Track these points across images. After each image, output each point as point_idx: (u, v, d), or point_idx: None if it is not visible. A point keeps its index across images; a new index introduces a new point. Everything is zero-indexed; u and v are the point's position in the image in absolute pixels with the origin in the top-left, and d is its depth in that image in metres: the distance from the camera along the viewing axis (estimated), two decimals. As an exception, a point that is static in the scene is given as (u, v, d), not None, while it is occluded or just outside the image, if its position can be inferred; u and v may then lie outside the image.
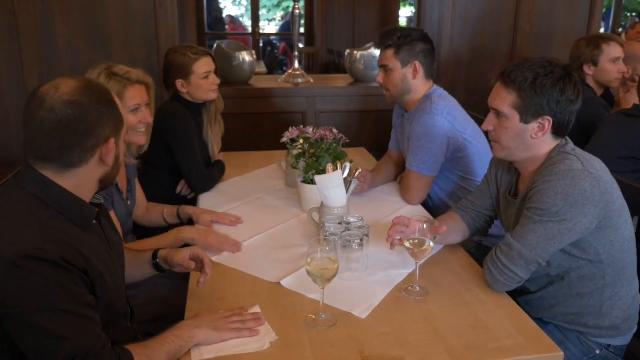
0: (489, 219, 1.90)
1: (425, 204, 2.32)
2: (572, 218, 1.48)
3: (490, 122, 1.66)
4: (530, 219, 1.52)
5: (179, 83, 2.40)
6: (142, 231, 2.15)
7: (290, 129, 2.24)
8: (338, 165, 1.96)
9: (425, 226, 1.57)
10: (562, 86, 1.54)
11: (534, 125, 1.58)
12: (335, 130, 2.22)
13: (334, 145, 2.14)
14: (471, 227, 1.89)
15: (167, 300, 1.88)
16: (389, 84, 2.33)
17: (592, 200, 1.47)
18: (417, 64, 2.27)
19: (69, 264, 1.12)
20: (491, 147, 1.71)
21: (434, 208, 2.34)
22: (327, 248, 1.39)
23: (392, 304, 1.53)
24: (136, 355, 1.19)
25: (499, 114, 1.61)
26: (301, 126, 2.25)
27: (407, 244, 1.60)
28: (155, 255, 1.61)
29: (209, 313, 1.40)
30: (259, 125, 3.57)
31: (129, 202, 2.01)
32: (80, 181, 1.24)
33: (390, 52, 2.29)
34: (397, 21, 7.93)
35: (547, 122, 1.57)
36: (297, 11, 3.72)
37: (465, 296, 1.56)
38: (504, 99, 1.59)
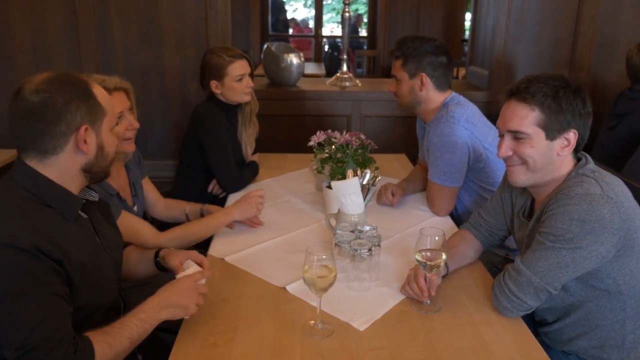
0: (503, 238, 1.80)
1: (450, 214, 2.23)
2: (587, 246, 1.37)
3: (507, 147, 1.50)
4: (541, 245, 1.42)
5: (213, 84, 2.44)
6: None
7: (317, 132, 2.22)
8: (358, 172, 1.92)
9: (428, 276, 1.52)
10: (583, 97, 1.44)
11: (560, 142, 1.47)
12: (363, 136, 2.18)
13: (360, 150, 2.10)
14: (484, 244, 1.81)
15: None
16: (398, 94, 2.29)
17: (610, 227, 1.36)
18: (424, 76, 2.21)
19: (42, 254, 1.15)
20: (508, 174, 1.56)
21: (459, 218, 2.25)
22: (324, 256, 1.36)
23: (394, 318, 1.48)
24: (96, 343, 1.19)
25: (518, 135, 1.48)
26: (329, 130, 2.23)
27: (417, 257, 1.54)
28: (157, 254, 1.64)
29: (174, 287, 1.38)
30: (303, 128, 3.57)
31: (135, 208, 2.03)
32: (62, 170, 1.28)
33: (398, 63, 2.25)
34: (463, 25, 7.74)
35: (573, 135, 1.46)
36: (347, 14, 3.69)
37: (473, 315, 1.49)
38: (523, 118, 1.46)
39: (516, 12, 3.47)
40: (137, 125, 1.91)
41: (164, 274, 1.64)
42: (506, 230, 1.77)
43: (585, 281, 1.45)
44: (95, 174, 1.34)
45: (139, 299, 1.60)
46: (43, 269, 1.16)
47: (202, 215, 2.17)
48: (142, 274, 1.66)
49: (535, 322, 1.67)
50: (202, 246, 1.94)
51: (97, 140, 1.30)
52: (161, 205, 2.23)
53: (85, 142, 1.27)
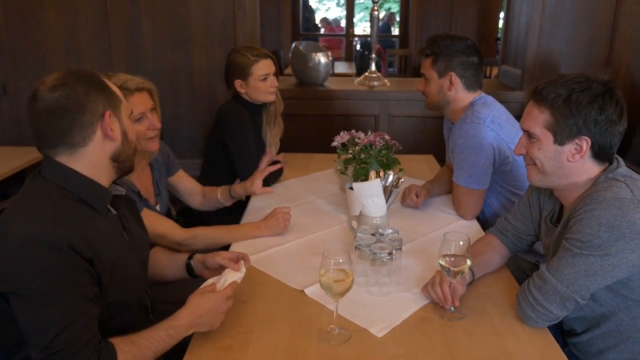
0: (530, 243, 1.74)
1: (477, 217, 2.17)
2: (617, 253, 1.30)
3: (522, 145, 1.51)
4: (568, 251, 1.36)
5: (237, 83, 2.43)
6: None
7: (341, 133, 2.19)
8: (380, 173, 1.88)
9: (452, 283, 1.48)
10: (601, 104, 1.36)
11: (570, 147, 1.42)
12: (387, 137, 2.14)
13: (384, 151, 2.06)
14: (511, 250, 1.74)
15: None
16: (426, 93, 2.23)
17: None
18: (454, 76, 2.14)
19: (75, 252, 1.16)
20: (527, 172, 1.55)
21: (487, 222, 2.19)
22: (341, 260, 1.33)
23: (414, 325, 1.44)
24: (120, 353, 1.18)
25: (530, 135, 1.47)
26: (353, 130, 2.19)
27: (441, 262, 1.49)
28: (190, 256, 1.65)
29: (207, 303, 1.34)
30: (330, 128, 3.53)
31: (158, 207, 2.03)
32: (92, 161, 1.28)
33: (428, 62, 2.19)
34: (497, 24, 7.59)
35: (585, 143, 1.39)
36: (376, 12, 3.65)
37: (497, 324, 1.43)
38: (535, 119, 1.44)
39: (550, 10, 3.36)
40: (158, 125, 1.90)
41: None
42: (534, 235, 1.70)
43: (616, 290, 1.38)
44: (122, 163, 1.34)
45: (162, 296, 1.62)
46: (75, 269, 1.17)
47: (231, 196, 2.19)
48: (171, 276, 1.67)
49: (563, 332, 1.60)
50: (223, 247, 1.93)
51: (120, 126, 1.32)
52: (199, 196, 2.25)
53: (111, 128, 1.28)
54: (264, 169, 2.23)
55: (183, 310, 1.32)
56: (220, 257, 1.57)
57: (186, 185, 2.24)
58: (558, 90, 1.40)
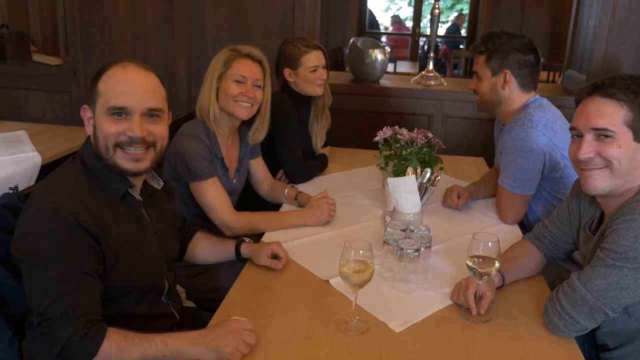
0: (568, 252, 1.66)
1: (520, 222, 2.10)
2: None
3: (590, 147, 1.36)
4: (601, 261, 1.30)
5: (286, 72, 2.46)
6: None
7: (384, 128, 2.17)
8: (417, 170, 1.86)
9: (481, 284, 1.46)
10: None
11: None
12: (430, 135, 2.10)
13: (425, 149, 2.03)
14: (548, 257, 1.68)
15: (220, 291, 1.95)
16: (478, 92, 2.16)
17: None
18: (508, 73, 2.07)
19: (82, 227, 1.22)
20: (585, 180, 1.41)
21: (530, 228, 2.11)
22: (361, 251, 1.33)
23: (434, 323, 1.41)
24: (108, 339, 1.18)
25: (605, 133, 1.35)
26: (396, 126, 2.17)
27: (468, 262, 1.46)
28: (237, 250, 1.71)
29: (218, 326, 1.29)
30: (382, 125, 3.46)
31: (234, 181, 2.11)
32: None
33: (481, 59, 2.12)
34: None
35: None
36: (437, 10, 3.59)
37: (521, 330, 1.39)
38: (610, 115, 1.34)
39: (622, 13, 3.19)
40: (252, 95, 1.97)
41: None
42: (572, 243, 1.63)
43: (652, 306, 1.31)
44: (104, 160, 1.36)
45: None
46: (79, 243, 1.22)
47: (296, 200, 2.18)
48: (214, 261, 1.75)
49: (597, 347, 1.53)
50: (256, 235, 1.96)
51: (93, 122, 1.38)
52: (267, 186, 2.29)
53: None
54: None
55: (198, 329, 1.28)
56: (263, 261, 1.64)
57: (260, 172, 2.29)
58: (630, 87, 1.32)
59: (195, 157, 1.90)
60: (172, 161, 1.94)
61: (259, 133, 2.13)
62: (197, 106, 2.01)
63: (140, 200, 1.41)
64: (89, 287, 1.22)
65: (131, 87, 1.31)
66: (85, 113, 1.35)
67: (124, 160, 1.32)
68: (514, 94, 2.11)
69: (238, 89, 1.95)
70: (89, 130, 1.35)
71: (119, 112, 1.30)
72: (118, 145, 1.31)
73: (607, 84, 1.35)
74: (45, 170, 2.68)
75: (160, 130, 1.36)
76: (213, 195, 1.94)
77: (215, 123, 2.01)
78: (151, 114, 1.33)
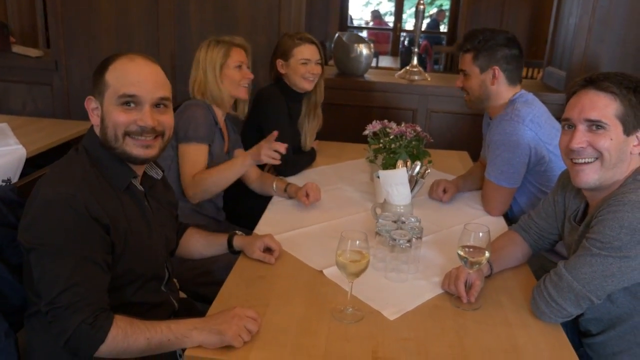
0: (552, 242, 1.72)
1: (504, 214, 2.15)
2: (636, 256, 1.29)
3: (582, 138, 1.40)
4: (587, 250, 1.35)
5: (279, 63, 2.49)
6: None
7: (373, 122, 2.21)
8: (408, 163, 1.90)
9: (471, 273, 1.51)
10: None
11: (632, 139, 1.40)
12: (419, 128, 2.14)
13: (414, 142, 2.07)
14: (533, 248, 1.73)
15: (209, 275, 1.98)
16: (467, 89, 2.21)
17: None
18: (497, 69, 2.12)
19: (92, 218, 1.23)
20: (576, 174, 1.44)
21: (514, 219, 2.17)
22: (358, 241, 1.36)
23: (426, 311, 1.46)
24: (115, 326, 1.20)
25: (598, 125, 1.39)
26: (385, 120, 2.21)
27: (459, 252, 1.51)
28: (230, 244, 1.72)
29: (220, 312, 1.31)
30: (368, 119, 3.51)
31: (227, 156, 2.24)
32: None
33: (468, 57, 2.16)
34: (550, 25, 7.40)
35: None
36: (422, 7, 3.64)
37: (510, 317, 1.44)
38: (604, 107, 1.38)
39: (602, 12, 3.27)
40: (251, 76, 2.23)
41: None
42: (556, 234, 1.69)
43: (634, 293, 1.37)
44: (111, 149, 1.38)
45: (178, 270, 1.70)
46: (89, 233, 1.23)
47: (286, 192, 2.20)
48: (209, 255, 1.76)
49: (579, 333, 1.59)
50: (248, 226, 1.98)
51: (99, 112, 1.40)
52: (255, 179, 2.32)
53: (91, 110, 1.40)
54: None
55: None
56: (256, 255, 1.66)
57: None
58: (621, 81, 1.37)
59: (198, 119, 2.06)
60: (176, 128, 1.96)
61: (243, 105, 2.34)
62: (206, 95, 2.15)
63: (142, 190, 1.44)
64: (98, 277, 1.24)
65: (142, 77, 1.33)
66: (90, 104, 1.36)
67: (133, 147, 1.34)
68: (502, 89, 2.16)
69: (240, 74, 2.18)
70: (94, 120, 1.36)
71: (130, 102, 1.32)
72: (127, 134, 1.33)
73: (601, 78, 1.40)
74: (31, 163, 2.65)
75: (168, 119, 1.39)
76: (191, 159, 2.05)
77: (222, 106, 2.20)
78: (159, 103, 1.36)
